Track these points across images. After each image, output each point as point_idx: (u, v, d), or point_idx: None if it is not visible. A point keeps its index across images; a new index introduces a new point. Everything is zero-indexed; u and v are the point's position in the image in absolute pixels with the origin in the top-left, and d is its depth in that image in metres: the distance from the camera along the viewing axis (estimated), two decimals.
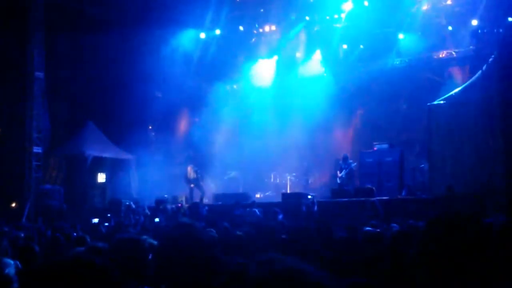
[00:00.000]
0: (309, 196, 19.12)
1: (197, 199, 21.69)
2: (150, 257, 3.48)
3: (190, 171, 22.68)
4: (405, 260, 4.82)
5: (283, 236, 6.21)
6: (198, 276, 2.50)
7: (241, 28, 26.95)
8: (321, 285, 1.41)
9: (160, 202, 20.30)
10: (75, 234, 10.24)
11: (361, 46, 25.00)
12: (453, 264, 2.03)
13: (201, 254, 2.57)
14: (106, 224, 16.13)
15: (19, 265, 5.92)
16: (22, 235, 9.85)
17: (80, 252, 5.15)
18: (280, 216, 14.13)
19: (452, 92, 19.14)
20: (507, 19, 19.27)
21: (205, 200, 22.07)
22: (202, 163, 24.73)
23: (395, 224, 10.32)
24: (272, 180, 25.47)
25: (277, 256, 1.46)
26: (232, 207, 17.87)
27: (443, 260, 2.05)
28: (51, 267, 1.87)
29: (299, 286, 1.38)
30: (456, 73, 23.93)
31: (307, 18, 25.56)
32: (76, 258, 1.92)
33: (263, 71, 27.80)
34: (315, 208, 17.94)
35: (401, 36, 24.11)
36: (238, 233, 7.07)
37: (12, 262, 5.77)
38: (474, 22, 21.58)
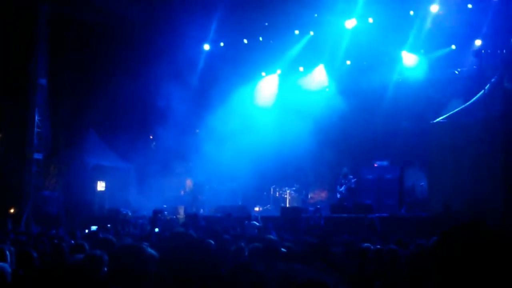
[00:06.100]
0: (317, 207, 18.99)
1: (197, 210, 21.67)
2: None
3: (190, 184, 22.75)
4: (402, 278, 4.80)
5: (283, 249, 6.20)
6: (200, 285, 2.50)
7: (245, 41, 26.98)
8: None
9: (157, 212, 20.24)
10: (72, 241, 10.21)
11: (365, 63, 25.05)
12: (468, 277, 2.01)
13: (202, 264, 2.57)
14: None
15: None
16: (23, 239, 9.82)
17: (78, 260, 5.15)
18: (273, 233, 13.98)
19: (454, 111, 19.18)
20: (510, 40, 19.35)
21: (203, 212, 22.02)
22: (201, 174, 24.69)
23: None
24: (271, 193, 25.36)
25: (298, 267, 1.46)
26: (230, 219, 17.82)
27: (458, 274, 2.03)
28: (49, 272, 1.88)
29: None
30: (459, 92, 23.93)
31: (311, 33, 25.58)
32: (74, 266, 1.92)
33: (265, 85, 27.93)
34: (322, 222, 17.88)
35: (404, 54, 24.16)
36: (242, 245, 6.99)
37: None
38: (478, 42, 21.65)
